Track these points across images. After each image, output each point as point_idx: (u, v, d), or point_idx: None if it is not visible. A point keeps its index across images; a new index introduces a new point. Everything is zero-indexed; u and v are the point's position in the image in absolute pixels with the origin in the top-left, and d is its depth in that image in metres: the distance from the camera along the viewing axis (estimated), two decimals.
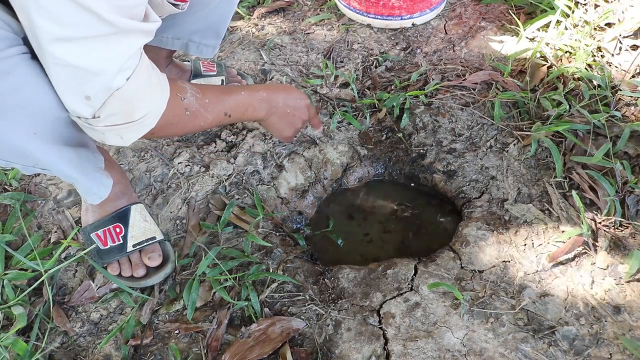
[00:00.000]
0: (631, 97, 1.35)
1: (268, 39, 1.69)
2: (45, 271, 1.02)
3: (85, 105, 0.72)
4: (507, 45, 1.61)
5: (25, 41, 0.70)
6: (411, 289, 1.05)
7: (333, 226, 1.28)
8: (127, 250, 1.07)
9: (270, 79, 1.54)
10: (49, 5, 0.59)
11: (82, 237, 1.11)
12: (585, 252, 1.08)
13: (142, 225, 1.10)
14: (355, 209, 1.34)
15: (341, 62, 1.61)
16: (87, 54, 0.65)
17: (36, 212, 1.24)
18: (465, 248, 1.11)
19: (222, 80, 1.42)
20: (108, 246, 1.07)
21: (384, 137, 1.41)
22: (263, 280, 1.09)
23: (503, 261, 1.08)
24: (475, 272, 1.07)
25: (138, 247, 1.08)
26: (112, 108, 0.73)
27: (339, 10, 1.81)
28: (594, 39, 1.52)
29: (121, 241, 1.08)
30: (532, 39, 1.60)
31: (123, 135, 0.78)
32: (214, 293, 1.07)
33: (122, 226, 1.08)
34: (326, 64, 1.55)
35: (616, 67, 1.46)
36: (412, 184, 1.38)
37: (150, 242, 1.09)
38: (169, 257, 1.12)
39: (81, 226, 1.13)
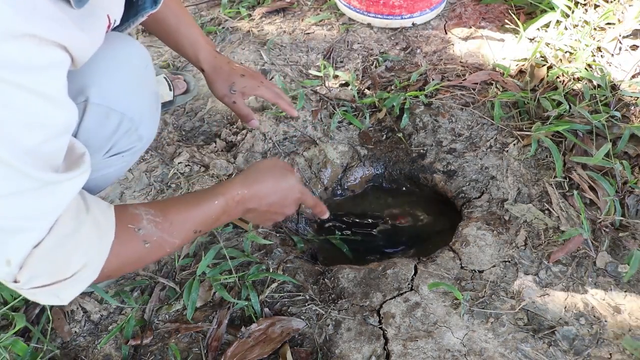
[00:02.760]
0: (631, 97, 1.35)
1: (268, 39, 1.69)
2: None
3: (4, 270, 0.57)
4: (507, 45, 1.61)
5: None
6: (411, 289, 1.05)
7: (340, 239, 1.26)
8: None
9: (271, 79, 1.54)
10: None
11: None
12: (585, 252, 1.08)
13: None
14: (354, 208, 1.34)
15: (341, 62, 1.61)
16: (6, 212, 0.53)
17: None
18: (465, 248, 1.11)
19: None
20: None
21: (384, 137, 1.41)
22: (263, 280, 1.09)
23: (503, 261, 1.08)
24: (475, 272, 1.07)
25: None
26: (32, 270, 0.58)
27: (338, 10, 1.81)
28: (594, 39, 1.52)
29: None
30: (532, 39, 1.60)
31: (58, 294, 0.63)
32: (214, 293, 1.07)
33: None
34: (324, 64, 1.55)
35: (616, 67, 1.46)
36: (409, 185, 1.38)
37: None
38: None
39: None
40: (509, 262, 1.08)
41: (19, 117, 0.47)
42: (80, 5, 0.52)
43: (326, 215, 1.03)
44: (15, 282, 0.58)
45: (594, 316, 0.99)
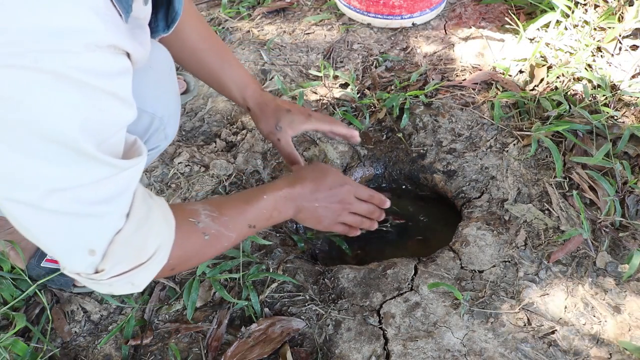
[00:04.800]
0: (631, 97, 1.35)
1: (268, 39, 1.69)
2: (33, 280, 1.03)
3: (88, 260, 0.61)
4: (507, 45, 1.61)
5: None
6: (411, 289, 1.05)
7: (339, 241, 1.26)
8: None
9: (271, 79, 1.54)
10: (43, 154, 0.50)
11: (33, 273, 1.04)
12: (585, 252, 1.08)
13: None
14: None
15: (341, 62, 1.61)
16: (90, 200, 0.56)
17: None
18: (465, 248, 1.11)
19: None
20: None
21: (384, 137, 1.41)
22: (263, 280, 1.09)
23: (503, 261, 1.08)
24: (475, 272, 1.07)
25: None
26: (115, 256, 0.62)
27: (338, 10, 1.81)
28: (594, 39, 1.52)
29: None
30: (532, 39, 1.60)
31: (134, 280, 0.67)
32: (214, 293, 1.07)
33: None
34: (324, 64, 1.55)
35: (616, 67, 1.46)
36: (409, 185, 1.38)
37: None
38: None
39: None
40: (509, 262, 1.08)
41: (103, 117, 0.52)
42: (127, 19, 0.56)
43: (387, 204, 1.01)
44: (97, 272, 0.61)
45: (594, 316, 0.99)
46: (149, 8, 0.68)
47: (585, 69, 1.42)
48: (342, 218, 0.98)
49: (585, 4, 1.65)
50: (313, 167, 0.98)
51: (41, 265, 1.05)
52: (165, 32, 0.80)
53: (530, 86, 1.43)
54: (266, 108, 1.06)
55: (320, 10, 1.83)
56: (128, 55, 0.57)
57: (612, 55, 1.49)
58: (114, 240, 0.60)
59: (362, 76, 1.55)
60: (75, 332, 1.04)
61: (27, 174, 0.50)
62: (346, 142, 1.38)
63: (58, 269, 1.04)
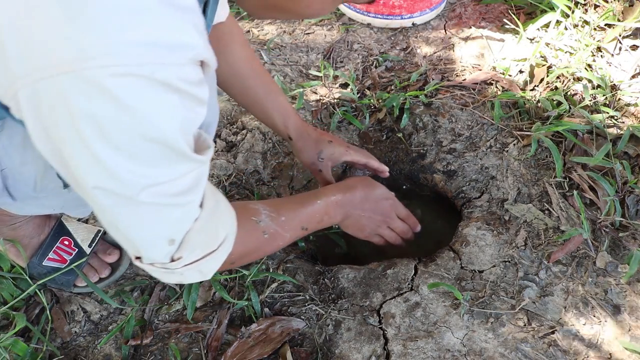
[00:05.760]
0: (631, 97, 1.35)
1: (268, 39, 1.69)
2: (33, 279, 1.03)
3: (166, 250, 0.66)
4: (507, 45, 1.61)
5: None
6: (411, 289, 1.05)
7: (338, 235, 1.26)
8: (87, 254, 1.07)
9: None
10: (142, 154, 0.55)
11: (34, 272, 1.06)
12: (585, 252, 1.08)
13: (82, 227, 1.10)
14: None
15: (341, 62, 1.61)
16: (175, 192, 0.61)
17: None
18: (465, 248, 1.11)
19: None
20: (68, 261, 1.05)
21: (384, 137, 1.41)
22: (263, 280, 1.09)
23: (503, 261, 1.08)
24: (475, 272, 1.07)
25: (93, 246, 1.08)
26: (191, 244, 0.67)
27: (338, 10, 1.81)
28: (594, 39, 1.52)
29: (77, 249, 1.07)
30: (532, 39, 1.60)
31: (203, 269, 0.72)
32: (214, 293, 1.07)
33: (68, 237, 1.07)
34: (324, 64, 1.55)
35: (616, 67, 1.46)
36: (409, 185, 1.38)
37: (98, 236, 1.09)
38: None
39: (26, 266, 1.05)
40: (509, 262, 1.08)
41: (193, 119, 0.58)
42: (209, 32, 0.64)
43: (419, 228, 1.12)
44: (173, 260, 0.67)
45: (594, 316, 0.99)
46: None
47: (585, 69, 1.42)
48: (381, 231, 1.07)
49: (585, 4, 1.65)
50: (362, 179, 1.07)
51: (43, 264, 1.04)
52: None
53: (530, 86, 1.43)
54: (308, 139, 1.10)
55: None
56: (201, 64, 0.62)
57: (612, 55, 1.49)
58: (192, 228, 0.65)
59: (362, 76, 1.55)
60: (75, 332, 1.04)
61: (128, 172, 0.55)
62: (347, 142, 1.38)
63: (60, 268, 1.04)
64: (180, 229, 0.65)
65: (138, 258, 0.68)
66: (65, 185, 0.78)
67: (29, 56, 0.48)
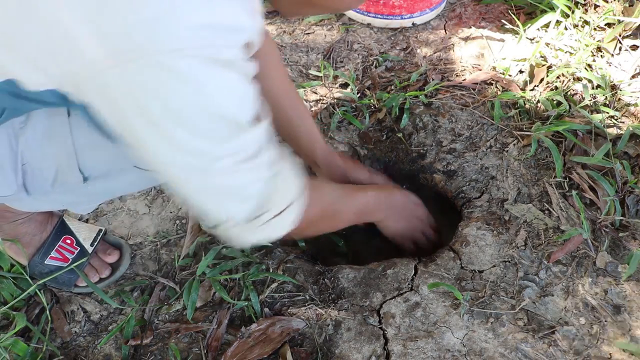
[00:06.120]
0: (631, 97, 1.35)
1: None
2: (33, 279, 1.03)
3: (247, 207, 0.70)
4: (507, 45, 1.61)
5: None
6: (411, 289, 1.05)
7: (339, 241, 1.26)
8: (90, 253, 1.07)
9: None
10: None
11: (35, 270, 1.05)
12: (585, 252, 1.08)
13: (83, 226, 1.10)
14: None
15: (341, 62, 1.61)
16: (244, 158, 0.66)
17: None
18: (465, 248, 1.11)
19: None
20: (70, 260, 1.05)
21: (384, 137, 1.41)
22: (263, 280, 1.09)
23: (503, 261, 1.08)
24: (475, 272, 1.07)
25: (95, 245, 1.08)
26: (276, 195, 0.71)
27: None
28: (594, 39, 1.52)
29: (79, 248, 1.07)
30: (532, 39, 1.60)
31: (277, 225, 0.75)
32: (214, 293, 1.07)
33: (70, 236, 1.08)
34: (324, 64, 1.55)
35: (616, 67, 1.46)
36: (409, 185, 1.38)
37: (100, 235, 1.10)
38: (120, 244, 1.12)
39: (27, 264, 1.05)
40: (509, 262, 1.08)
41: (250, 91, 0.63)
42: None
43: (436, 237, 1.18)
44: (257, 217, 0.70)
45: (594, 316, 0.99)
46: None
47: (585, 69, 1.42)
48: (416, 235, 1.12)
49: (585, 4, 1.65)
50: (395, 186, 1.16)
51: (45, 262, 1.04)
52: None
53: (530, 86, 1.43)
54: (333, 165, 1.13)
55: None
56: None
57: (612, 55, 1.49)
58: (273, 181, 0.70)
59: (362, 76, 1.55)
60: (75, 332, 1.04)
61: (201, 147, 0.60)
62: (346, 142, 1.38)
63: (62, 267, 1.04)
64: (258, 188, 0.69)
65: (216, 226, 0.72)
66: (85, 179, 0.80)
67: (106, 44, 0.51)
